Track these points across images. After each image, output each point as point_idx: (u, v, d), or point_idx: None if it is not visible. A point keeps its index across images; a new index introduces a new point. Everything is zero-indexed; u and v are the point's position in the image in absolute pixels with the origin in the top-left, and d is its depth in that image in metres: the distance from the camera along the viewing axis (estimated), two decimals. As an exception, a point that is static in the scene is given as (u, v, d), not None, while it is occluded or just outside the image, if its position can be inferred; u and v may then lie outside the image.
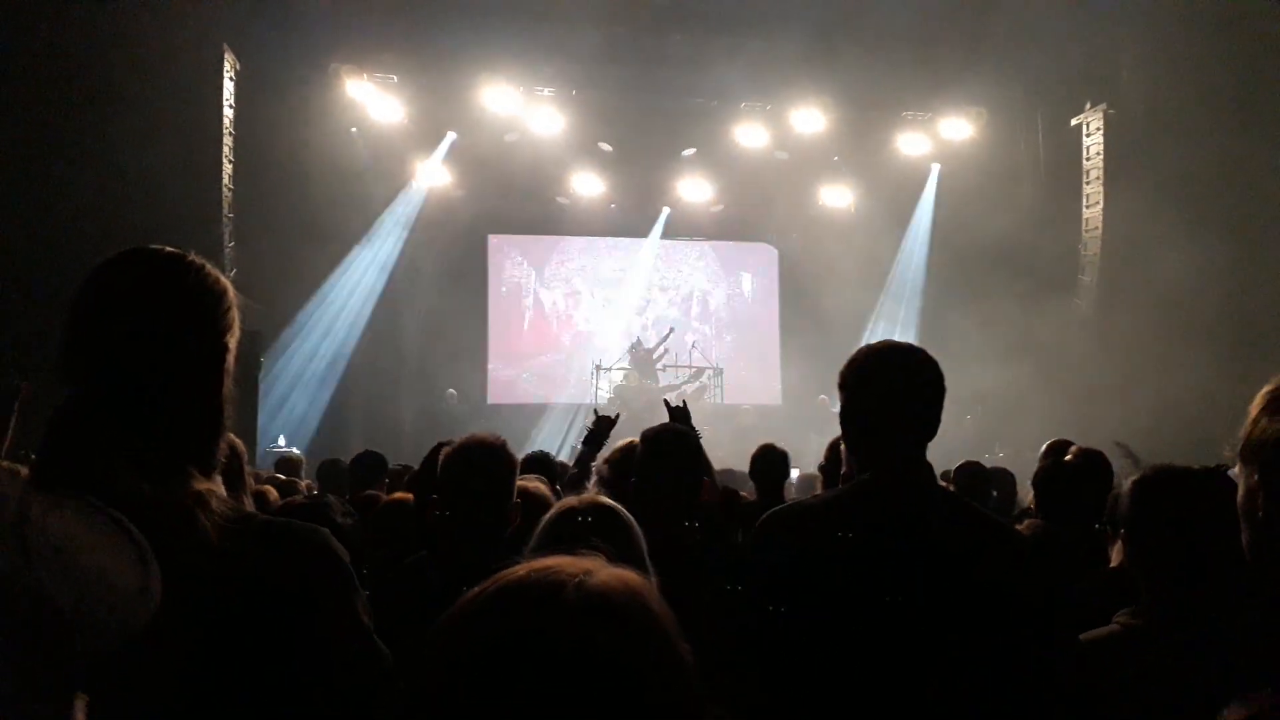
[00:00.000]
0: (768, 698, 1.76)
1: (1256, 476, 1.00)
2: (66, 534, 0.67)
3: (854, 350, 1.96)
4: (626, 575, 0.77)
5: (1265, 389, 1.02)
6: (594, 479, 4.23)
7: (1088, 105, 12.28)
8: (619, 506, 1.78)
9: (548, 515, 1.77)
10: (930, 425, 1.87)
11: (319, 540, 1.20)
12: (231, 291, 1.25)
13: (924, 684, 1.66)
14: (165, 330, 1.17)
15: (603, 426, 3.68)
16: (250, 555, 1.11)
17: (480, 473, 2.21)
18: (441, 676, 0.71)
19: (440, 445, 2.51)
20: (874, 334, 13.40)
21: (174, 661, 1.00)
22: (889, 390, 1.86)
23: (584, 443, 3.68)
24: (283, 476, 5.69)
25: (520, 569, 0.75)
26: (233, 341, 1.24)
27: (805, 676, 1.73)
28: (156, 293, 1.18)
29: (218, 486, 1.18)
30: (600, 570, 0.76)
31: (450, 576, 2.00)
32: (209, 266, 1.24)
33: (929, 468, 1.89)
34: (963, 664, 1.67)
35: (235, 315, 1.24)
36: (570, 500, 1.78)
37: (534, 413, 14.27)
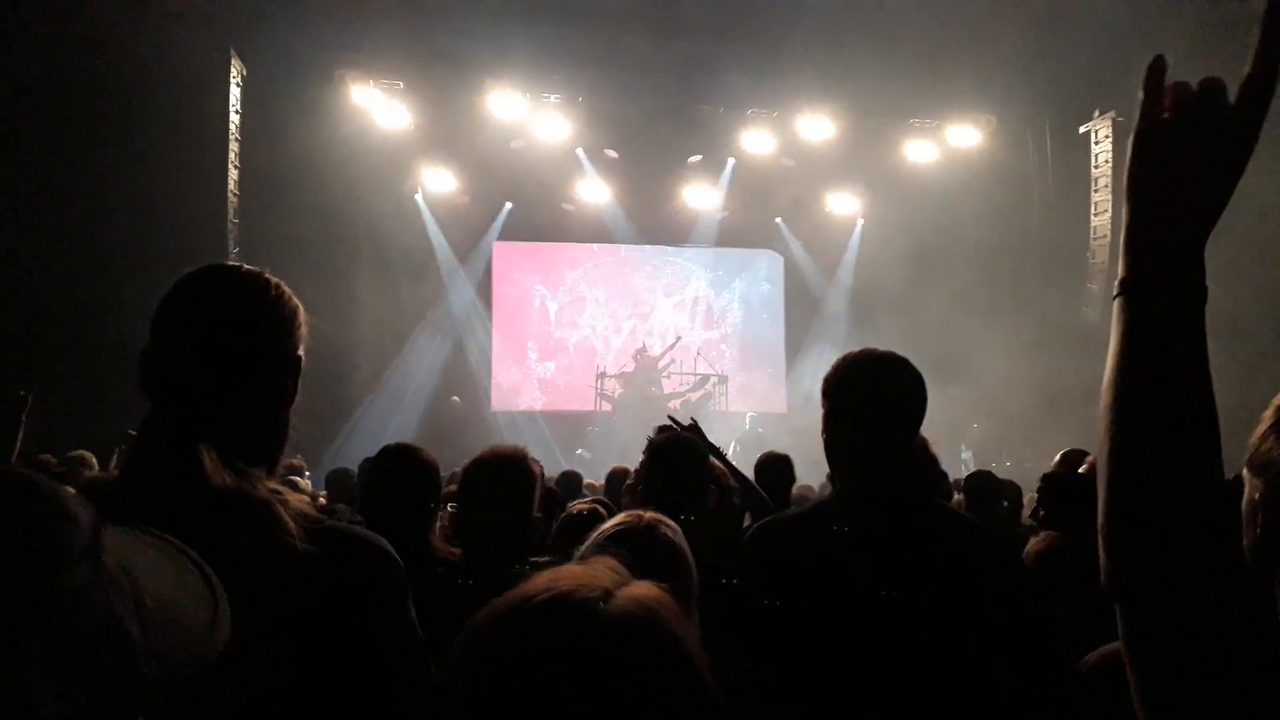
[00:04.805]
0: (764, 706, 1.74)
1: (1259, 493, 0.98)
2: (140, 566, 0.67)
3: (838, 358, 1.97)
4: (645, 593, 0.75)
5: (1278, 399, 0.99)
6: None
7: (1096, 113, 12.26)
8: (674, 529, 1.61)
9: (608, 523, 1.59)
10: (910, 433, 1.87)
11: (384, 548, 1.28)
12: (302, 309, 1.32)
13: (909, 688, 1.65)
14: (248, 345, 1.25)
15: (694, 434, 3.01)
16: (326, 556, 1.18)
17: (500, 485, 2.19)
18: (467, 690, 0.70)
19: (385, 449, 2.48)
20: (877, 342, 13.35)
21: (261, 651, 1.05)
22: (868, 398, 1.86)
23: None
24: (298, 480, 5.70)
25: (539, 585, 0.74)
26: (303, 354, 1.32)
27: (796, 684, 1.72)
28: (240, 309, 1.25)
29: (289, 493, 1.24)
30: (623, 589, 0.74)
31: (475, 586, 2.01)
32: (283, 285, 1.31)
33: (911, 474, 1.88)
34: (949, 670, 1.66)
35: (305, 331, 1.32)
36: (640, 514, 1.62)
37: (537, 420, 14.24)
